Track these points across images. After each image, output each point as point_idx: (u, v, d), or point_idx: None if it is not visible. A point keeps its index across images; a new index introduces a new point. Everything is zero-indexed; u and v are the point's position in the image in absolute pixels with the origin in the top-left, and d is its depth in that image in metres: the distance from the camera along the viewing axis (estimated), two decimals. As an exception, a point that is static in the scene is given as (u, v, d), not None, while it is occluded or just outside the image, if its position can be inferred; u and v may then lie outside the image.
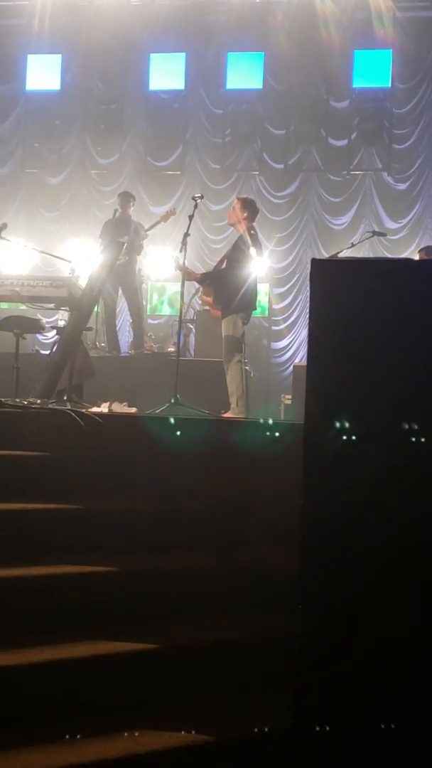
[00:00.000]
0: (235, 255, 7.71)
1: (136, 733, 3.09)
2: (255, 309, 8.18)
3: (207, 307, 8.26)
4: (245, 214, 7.87)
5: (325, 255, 12.46)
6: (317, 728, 2.09)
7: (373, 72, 14.38)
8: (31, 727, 3.05)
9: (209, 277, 7.92)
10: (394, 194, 14.28)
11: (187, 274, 7.78)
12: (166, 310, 13.73)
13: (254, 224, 7.93)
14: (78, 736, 3.04)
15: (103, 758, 2.93)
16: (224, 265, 7.80)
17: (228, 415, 7.40)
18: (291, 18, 14.13)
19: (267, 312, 14.11)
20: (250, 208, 7.97)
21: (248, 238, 7.79)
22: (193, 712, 3.28)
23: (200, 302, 8.44)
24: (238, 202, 8.07)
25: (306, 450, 2.13)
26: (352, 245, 9.07)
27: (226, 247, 8.49)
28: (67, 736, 3.03)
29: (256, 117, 14.92)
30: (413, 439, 2.04)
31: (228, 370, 7.64)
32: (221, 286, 7.71)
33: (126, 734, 3.09)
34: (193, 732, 3.13)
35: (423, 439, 2.03)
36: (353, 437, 2.09)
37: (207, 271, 8.24)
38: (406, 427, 2.02)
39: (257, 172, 14.83)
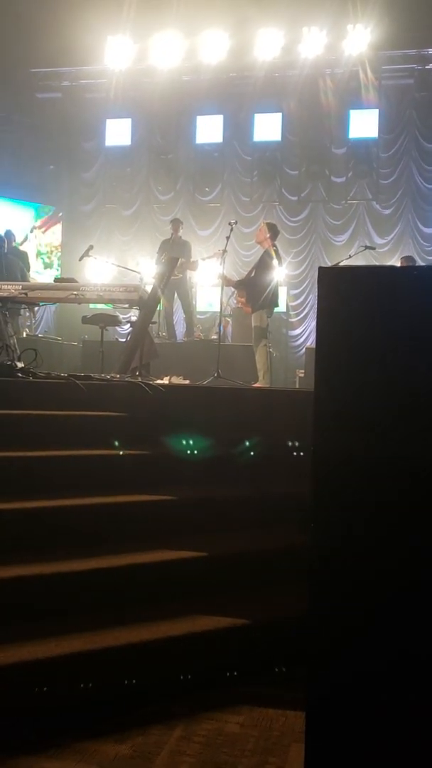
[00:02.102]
0: (261, 266, 7.68)
1: (194, 617, 3.12)
2: (277, 306, 8.15)
3: (240, 305, 8.24)
4: (268, 235, 7.84)
5: (329, 264, 12.35)
6: (327, 614, 2.07)
7: (364, 126, 14.16)
8: (119, 614, 3.08)
9: (242, 282, 7.90)
10: (381, 218, 14.11)
11: (225, 281, 7.76)
12: (210, 308, 13.70)
13: (276, 242, 7.89)
14: (150, 620, 3.04)
15: (170, 635, 2.95)
16: (253, 274, 7.77)
17: (257, 385, 7.40)
18: (301, 87, 13.95)
19: (286, 308, 14.05)
20: (272, 230, 7.92)
21: (273, 253, 7.76)
22: (236, 603, 3.27)
23: (235, 301, 8.43)
24: (264, 226, 8.04)
25: (315, 409, 2.11)
26: (350, 256, 8.96)
27: (254, 260, 8.45)
28: (142, 619, 3.04)
29: (276, 161, 14.77)
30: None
31: (256, 352, 7.64)
32: (251, 289, 7.68)
33: (186, 618, 3.10)
34: (234, 617, 3.16)
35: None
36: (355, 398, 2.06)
37: (240, 278, 8.21)
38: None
39: (277, 203, 14.70)
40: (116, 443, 4.17)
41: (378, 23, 13.01)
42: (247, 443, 4.48)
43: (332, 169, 14.32)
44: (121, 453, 4.10)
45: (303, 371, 10.12)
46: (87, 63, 14.51)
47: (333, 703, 2.04)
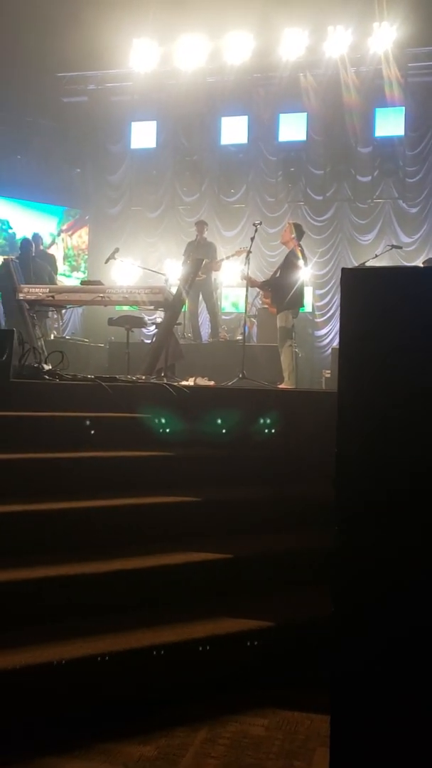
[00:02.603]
0: (287, 266, 7.65)
1: (218, 619, 3.11)
2: (302, 306, 8.12)
3: (266, 306, 8.22)
4: (293, 235, 7.81)
5: (355, 264, 12.28)
6: (351, 616, 2.05)
7: (390, 124, 14.03)
8: (143, 615, 3.09)
9: (267, 283, 7.88)
10: (407, 216, 13.97)
11: (250, 282, 7.74)
12: (235, 309, 13.69)
13: (301, 243, 7.86)
14: (174, 622, 3.04)
15: (193, 637, 2.94)
16: (278, 274, 7.75)
17: (282, 386, 7.37)
18: (325, 86, 13.88)
19: (312, 308, 14.00)
20: (297, 231, 7.90)
21: (298, 253, 7.74)
22: (260, 605, 3.26)
23: (260, 302, 8.42)
24: (289, 226, 8.01)
25: (340, 411, 2.09)
26: (376, 256, 8.91)
27: (280, 260, 8.43)
28: (166, 621, 3.05)
29: (301, 161, 14.70)
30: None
31: (282, 353, 7.61)
32: (276, 289, 7.66)
33: (210, 620, 3.09)
34: (258, 619, 3.14)
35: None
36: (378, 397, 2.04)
37: (265, 279, 8.19)
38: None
39: (302, 203, 14.63)
40: (141, 444, 4.18)
41: (404, 20, 12.89)
42: (272, 444, 4.47)
43: (358, 168, 14.22)
44: (145, 454, 4.11)
45: (329, 372, 10.06)
46: (112, 66, 14.58)
47: (358, 708, 2.02)
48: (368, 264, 8.48)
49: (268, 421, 4.61)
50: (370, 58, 13.48)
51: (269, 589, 3.46)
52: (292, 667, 3.12)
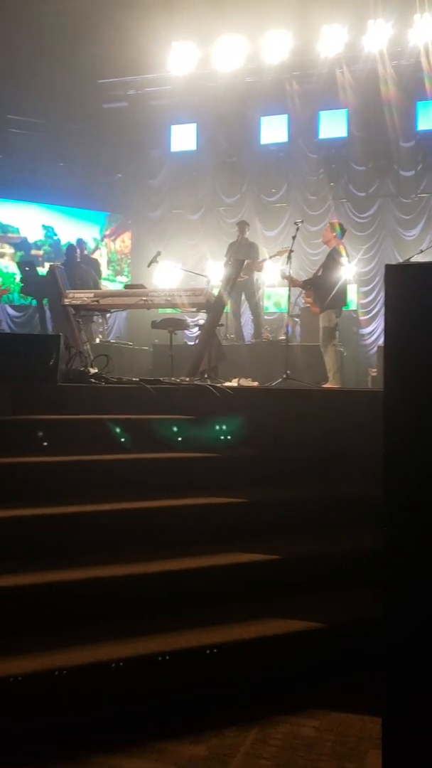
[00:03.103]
0: (329, 265, 7.61)
1: (266, 621, 3.10)
2: (346, 305, 8.07)
3: (308, 305, 8.17)
4: (335, 234, 7.78)
5: (400, 260, 12.12)
6: (404, 618, 2.03)
7: (432, 117, 13.85)
8: (192, 616, 3.11)
9: (309, 282, 7.84)
10: (453, 210, 13.77)
11: (291, 282, 7.72)
12: (278, 308, 13.64)
13: (342, 240, 7.82)
14: (223, 623, 3.05)
15: (242, 638, 2.94)
16: (320, 273, 7.71)
17: (327, 385, 7.32)
18: (365, 82, 13.73)
19: (356, 306, 13.88)
20: (340, 228, 7.88)
21: (341, 251, 7.71)
22: (309, 606, 3.25)
23: (303, 301, 8.36)
24: (329, 225, 7.98)
25: (386, 410, 2.07)
26: (421, 251, 8.78)
27: (321, 259, 8.37)
28: (215, 622, 3.06)
29: (343, 158, 14.57)
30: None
31: (325, 353, 7.57)
32: (318, 289, 7.61)
33: (259, 620, 3.09)
34: (307, 620, 3.13)
35: None
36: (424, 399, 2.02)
37: (308, 278, 8.13)
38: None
39: (345, 200, 14.51)
40: (186, 446, 4.20)
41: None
42: (317, 445, 4.44)
43: (400, 162, 14.03)
44: (190, 455, 4.12)
45: (375, 370, 9.96)
46: (151, 71, 14.68)
47: (410, 710, 2.00)
48: (413, 260, 8.37)
49: (313, 421, 4.59)
50: (409, 51, 13.28)
51: (318, 590, 3.44)
52: (343, 668, 3.09)
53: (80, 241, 12.13)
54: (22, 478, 3.65)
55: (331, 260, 7.62)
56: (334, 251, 7.72)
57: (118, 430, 4.23)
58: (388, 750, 1.99)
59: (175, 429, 4.38)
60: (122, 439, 4.18)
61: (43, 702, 2.57)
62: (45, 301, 10.11)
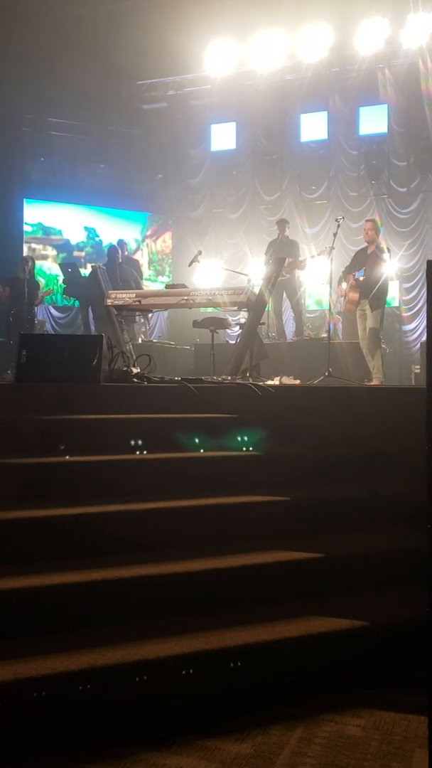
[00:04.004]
0: (378, 264, 7.52)
1: (310, 618, 3.10)
2: (388, 302, 8.05)
3: (348, 304, 8.01)
4: (376, 231, 7.75)
5: (443, 256, 11.96)
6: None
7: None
8: (235, 615, 3.12)
9: (360, 285, 7.69)
10: None
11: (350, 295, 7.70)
12: (319, 306, 13.56)
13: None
14: (265, 621, 3.05)
15: (286, 636, 2.93)
16: (371, 273, 7.54)
17: (372, 383, 7.27)
18: (404, 77, 13.58)
19: (399, 302, 13.74)
20: (380, 226, 7.87)
21: (385, 248, 7.67)
22: (353, 605, 3.23)
23: (343, 299, 8.21)
24: (373, 223, 7.92)
25: (430, 407, 2.06)
26: (464, 246, 8.67)
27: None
28: (258, 620, 3.06)
29: (383, 154, 14.44)
30: None
31: (371, 353, 7.52)
32: (371, 289, 7.56)
33: (302, 619, 3.09)
34: (351, 618, 3.12)
35: None
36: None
37: (355, 281, 7.87)
38: None
39: (386, 196, 14.36)
40: (229, 445, 4.21)
41: None
42: (362, 442, 4.42)
43: (442, 157, 13.86)
44: (233, 454, 4.14)
45: (418, 367, 9.84)
46: (191, 71, 14.73)
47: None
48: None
49: (356, 419, 4.56)
50: (450, 44, 13.10)
51: (362, 588, 3.42)
52: (388, 667, 3.08)
53: (121, 242, 12.25)
54: (67, 477, 3.70)
55: (380, 259, 7.55)
56: (379, 249, 7.66)
57: (161, 428, 4.26)
58: (434, 750, 1.98)
59: (217, 427, 4.39)
60: (166, 438, 4.21)
61: (86, 700, 2.61)
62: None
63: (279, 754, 2.52)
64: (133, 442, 4.10)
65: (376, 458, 4.32)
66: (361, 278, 7.52)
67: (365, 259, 7.58)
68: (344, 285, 7.92)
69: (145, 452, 4.04)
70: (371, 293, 7.50)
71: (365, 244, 7.98)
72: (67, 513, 3.37)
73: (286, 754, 2.52)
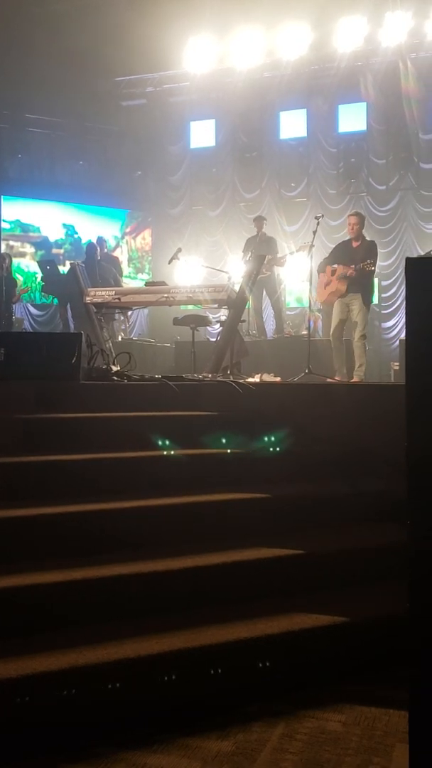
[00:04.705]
0: (374, 259, 7.47)
1: (291, 615, 3.11)
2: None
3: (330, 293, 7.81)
4: (361, 226, 7.69)
5: (421, 253, 12.04)
6: (429, 611, 2.02)
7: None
8: (217, 612, 3.12)
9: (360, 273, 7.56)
10: (475, 202, 13.65)
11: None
12: (299, 304, 13.60)
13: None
14: (246, 618, 3.05)
15: (267, 633, 2.94)
16: (370, 266, 7.43)
17: (354, 380, 7.29)
18: (383, 75, 13.65)
19: (378, 299, 13.82)
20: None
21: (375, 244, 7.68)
22: (334, 601, 3.24)
23: (323, 287, 7.95)
24: (361, 217, 7.79)
25: (408, 403, 2.07)
26: (442, 244, 8.71)
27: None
28: (240, 617, 3.06)
29: (362, 152, 14.52)
30: None
31: (356, 348, 7.48)
32: (367, 283, 7.52)
33: (284, 616, 3.09)
34: (333, 615, 3.13)
35: None
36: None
37: (351, 271, 7.69)
38: None
39: (365, 193, 14.44)
40: (208, 442, 4.21)
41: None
42: (341, 439, 4.43)
43: (421, 155, 13.94)
44: (212, 452, 4.14)
45: (397, 364, 9.90)
46: (169, 67, 14.69)
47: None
48: (435, 253, 8.30)
49: (335, 415, 4.58)
50: (428, 43, 13.17)
51: (343, 585, 3.44)
52: (368, 663, 3.09)
53: (100, 240, 12.19)
54: (46, 476, 3.68)
55: (375, 255, 7.48)
56: (372, 244, 7.64)
57: (141, 426, 4.25)
58: (414, 743, 1.99)
59: (197, 426, 4.39)
60: (146, 436, 4.19)
61: (66, 701, 2.59)
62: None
63: (260, 750, 2.53)
64: (113, 441, 4.08)
65: (357, 455, 4.33)
66: (352, 272, 7.33)
67: (354, 254, 7.44)
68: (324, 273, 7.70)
69: (125, 451, 4.02)
70: (363, 289, 7.46)
71: (347, 238, 7.86)
72: (47, 512, 3.35)
73: (268, 751, 2.52)
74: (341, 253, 7.65)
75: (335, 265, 7.52)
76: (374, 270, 7.44)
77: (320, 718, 2.74)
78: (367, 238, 7.75)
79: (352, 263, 7.37)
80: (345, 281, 7.43)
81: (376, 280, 13.29)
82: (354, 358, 7.44)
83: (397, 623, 2.41)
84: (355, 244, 7.60)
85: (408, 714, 2.01)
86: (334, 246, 7.89)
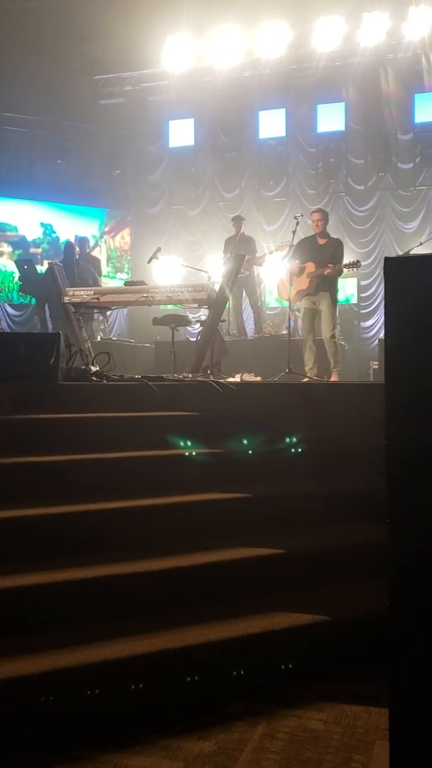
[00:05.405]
0: (340, 258, 7.46)
1: (272, 614, 3.12)
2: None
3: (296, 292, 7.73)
4: (325, 222, 7.66)
5: (400, 253, 12.11)
6: (409, 610, 2.04)
7: (430, 109, 13.81)
8: (197, 613, 3.12)
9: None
10: (452, 202, 13.76)
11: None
12: (279, 303, 13.63)
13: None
14: (228, 617, 3.06)
15: (248, 633, 2.95)
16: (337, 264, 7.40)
17: (334, 378, 7.30)
18: (362, 75, 13.73)
19: (357, 299, 13.92)
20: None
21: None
22: (315, 600, 3.26)
23: (290, 284, 7.86)
24: (325, 215, 7.75)
25: (387, 403, 2.08)
26: (421, 243, 8.77)
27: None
28: (220, 618, 3.07)
29: (341, 152, 14.59)
30: None
31: (329, 347, 7.46)
32: (334, 280, 7.50)
33: (264, 615, 3.10)
34: (314, 613, 3.14)
35: None
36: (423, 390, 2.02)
37: (319, 270, 7.67)
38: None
39: (344, 194, 14.51)
40: (189, 443, 4.21)
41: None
42: (321, 438, 4.45)
43: (399, 155, 14.04)
44: (194, 453, 4.13)
45: (377, 363, 9.96)
46: (148, 66, 14.65)
47: (417, 700, 2.01)
48: (413, 252, 8.35)
49: (318, 414, 4.60)
50: (406, 43, 13.26)
51: (324, 583, 3.45)
52: (350, 660, 3.11)
53: (84, 240, 12.13)
54: (25, 478, 3.65)
55: (341, 254, 7.47)
56: (338, 242, 7.64)
57: (121, 427, 4.23)
58: (395, 740, 2.01)
59: (177, 426, 4.38)
60: (125, 437, 4.18)
61: (47, 703, 2.58)
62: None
63: (242, 750, 2.53)
64: (92, 442, 4.06)
65: (337, 454, 4.36)
66: (330, 271, 7.26)
67: (322, 251, 7.39)
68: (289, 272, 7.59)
69: (104, 452, 4.00)
70: (332, 287, 7.45)
71: (311, 234, 7.69)
72: (26, 514, 3.33)
73: (249, 751, 2.53)
74: (308, 251, 7.49)
75: (306, 263, 7.43)
76: (342, 269, 7.42)
77: (301, 717, 2.76)
78: (332, 236, 7.73)
79: (321, 261, 7.34)
80: (315, 280, 7.38)
81: (353, 280, 13.48)
82: (328, 357, 7.41)
83: (378, 621, 2.43)
84: (321, 241, 7.50)
85: (388, 711, 2.03)
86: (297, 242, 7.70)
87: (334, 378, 7.28)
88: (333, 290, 7.46)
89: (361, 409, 4.44)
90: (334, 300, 7.46)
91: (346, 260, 7.41)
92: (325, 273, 7.29)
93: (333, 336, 7.40)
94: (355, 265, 7.36)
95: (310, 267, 7.43)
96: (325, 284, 7.37)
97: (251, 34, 13.78)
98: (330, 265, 7.26)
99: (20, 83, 13.40)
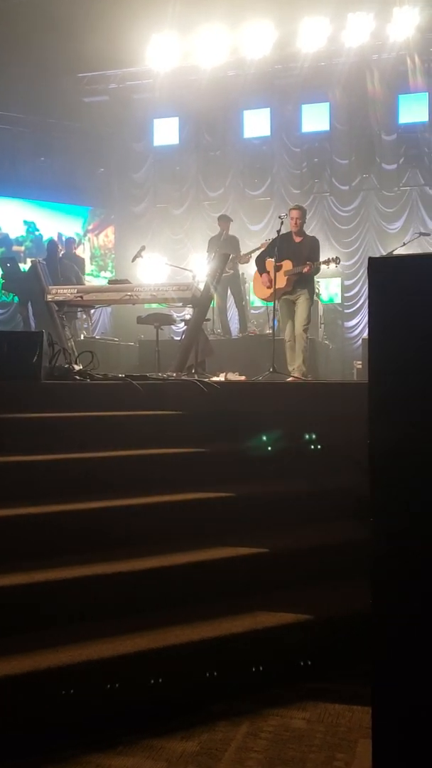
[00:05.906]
0: (317, 256, 7.44)
1: (255, 614, 3.12)
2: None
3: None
4: (303, 220, 7.64)
5: (384, 253, 12.17)
6: (391, 608, 2.05)
7: (413, 111, 13.89)
8: (181, 612, 3.12)
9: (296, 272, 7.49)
10: (435, 203, 13.84)
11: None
12: (263, 303, 13.64)
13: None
14: (211, 617, 3.06)
15: (232, 632, 2.95)
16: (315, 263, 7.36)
17: (296, 376, 7.22)
18: (347, 75, 13.78)
19: (341, 299, 13.97)
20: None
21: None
22: (297, 599, 3.26)
23: (267, 283, 7.78)
24: (299, 212, 7.67)
25: (371, 402, 2.09)
26: (404, 244, 8.84)
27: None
28: (204, 617, 3.06)
29: (326, 152, 14.65)
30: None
31: (299, 341, 7.40)
32: (311, 278, 7.49)
33: (248, 614, 3.10)
34: (297, 612, 3.15)
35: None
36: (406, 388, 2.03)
37: (298, 268, 7.62)
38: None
39: (328, 193, 14.57)
40: (171, 442, 4.20)
41: (426, 4, 12.72)
42: (304, 437, 4.46)
43: (383, 156, 14.11)
44: (175, 451, 4.12)
45: (360, 363, 10.00)
46: (133, 64, 14.62)
47: (399, 698, 2.02)
48: (396, 252, 8.39)
49: (302, 413, 4.60)
50: (391, 44, 13.33)
51: (307, 583, 3.45)
52: (332, 660, 3.12)
53: (70, 239, 12.07)
54: (7, 477, 3.63)
55: (318, 253, 7.47)
56: (314, 240, 7.63)
57: (104, 426, 4.21)
58: (377, 738, 2.01)
59: (161, 425, 4.37)
60: (108, 436, 4.16)
61: (32, 701, 2.57)
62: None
63: (225, 750, 2.53)
64: (75, 441, 4.04)
65: (321, 453, 4.36)
66: (309, 269, 7.21)
67: (298, 249, 7.35)
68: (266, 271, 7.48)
69: (88, 451, 3.98)
70: (309, 285, 7.45)
71: (287, 231, 7.51)
72: (9, 514, 3.30)
73: (232, 750, 2.53)
74: (284, 249, 7.36)
75: (282, 261, 7.33)
76: (320, 267, 7.40)
77: (284, 716, 2.76)
78: (308, 234, 7.72)
79: (298, 259, 7.30)
80: (293, 278, 7.34)
81: (337, 280, 13.54)
82: (296, 351, 7.36)
83: (362, 620, 2.44)
84: (297, 239, 7.45)
85: (371, 710, 2.03)
86: (271, 240, 7.62)
87: (297, 374, 7.17)
88: (311, 288, 7.47)
89: (344, 408, 4.45)
90: (311, 297, 7.46)
91: (324, 257, 7.42)
92: (304, 271, 7.24)
93: (306, 330, 7.35)
94: (334, 260, 7.35)
95: (287, 265, 7.37)
96: (302, 282, 7.36)
97: (236, 34, 13.79)
98: (308, 262, 7.23)
99: (3, 80, 13.31)
